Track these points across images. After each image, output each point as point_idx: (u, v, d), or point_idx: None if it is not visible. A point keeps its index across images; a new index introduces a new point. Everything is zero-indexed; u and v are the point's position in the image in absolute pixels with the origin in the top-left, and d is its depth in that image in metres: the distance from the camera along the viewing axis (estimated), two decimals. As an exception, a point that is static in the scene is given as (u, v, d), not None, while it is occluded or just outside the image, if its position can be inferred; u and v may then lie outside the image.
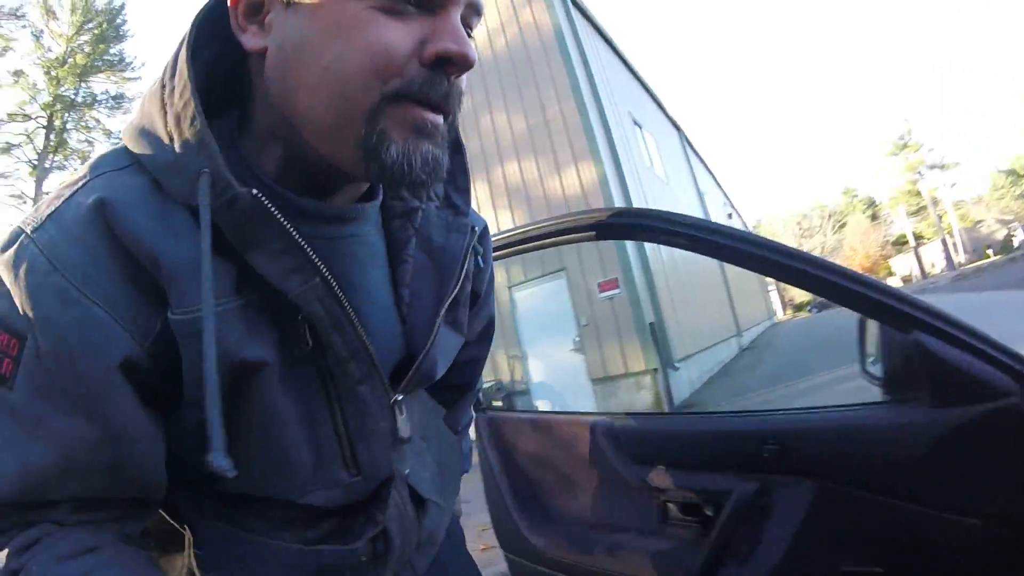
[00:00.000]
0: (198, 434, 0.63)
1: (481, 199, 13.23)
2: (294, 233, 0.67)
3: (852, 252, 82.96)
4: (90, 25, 36.30)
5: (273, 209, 0.66)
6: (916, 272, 65.79)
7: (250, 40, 0.70)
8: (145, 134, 0.69)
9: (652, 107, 19.82)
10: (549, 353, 12.05)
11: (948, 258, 54.40)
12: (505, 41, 13.43)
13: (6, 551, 0.68)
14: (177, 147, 0.66)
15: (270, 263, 0.68)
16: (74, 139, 38.16)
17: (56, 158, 36.83)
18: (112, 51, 37.76)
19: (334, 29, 0.64)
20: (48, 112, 36.22)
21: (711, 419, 1.87)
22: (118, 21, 37.53)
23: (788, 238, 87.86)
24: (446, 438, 1.10)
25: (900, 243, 76.88)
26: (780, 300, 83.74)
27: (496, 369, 12.63)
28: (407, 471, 0.91)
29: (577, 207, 11.59)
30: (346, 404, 0.79)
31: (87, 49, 36.52)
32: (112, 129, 38.64)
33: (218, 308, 0.66)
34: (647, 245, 11.80)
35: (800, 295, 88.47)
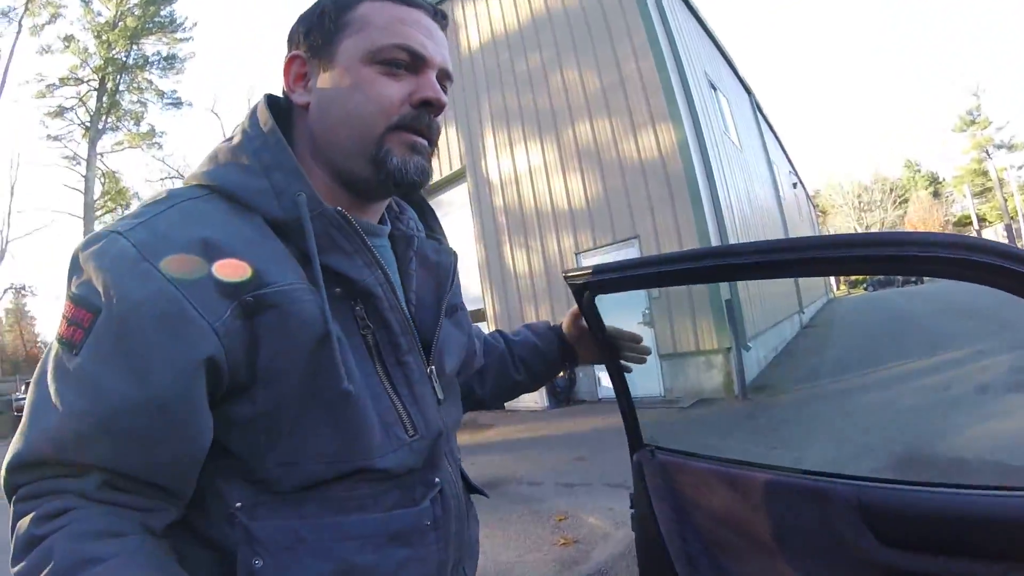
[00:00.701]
0: (267, 427, 0.85)
1: (550, 162, 12.62)
2: (365, 237, 0.94)
3: (912, 230, 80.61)
4: None
5: (352, 219, 0.93)
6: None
7: (299, 97, 1.01)
8: (231, 171, 0.92)
9: (726, 69, 18.68)
10: (616, 323, 11.36)
11: (1012, 242, 51.84)
12: None
13: (29, 516, 0.75)
14: (276, 180, 0.90)
15: (347, 261, 0.93)
16: (126, 101, 39.70)
17: (109, 120, 38.55)
18: (162, 12, 38.67)
19: (354, 86, 0.96)
20: (100, 75, 37.39)
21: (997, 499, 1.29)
22: None
23: (847, 211, 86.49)
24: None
25: (962, 224, 74.43)
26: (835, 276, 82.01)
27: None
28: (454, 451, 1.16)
29: (653, 173, 10.89)
30: (395, 376, 0.99)
31: (137, 12, 37.43)
32: (164, 90, 40.26)
33: (307, 286, 0.87)
34: (725, 213, 11.09)
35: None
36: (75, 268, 0.81)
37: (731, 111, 16.65)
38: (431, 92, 0.98)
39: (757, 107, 23.43)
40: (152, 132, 41.00)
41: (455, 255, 1.21)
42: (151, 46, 39.30)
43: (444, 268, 1.16)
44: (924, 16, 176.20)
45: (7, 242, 38.78)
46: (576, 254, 12.07)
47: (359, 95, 0.95)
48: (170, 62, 40.10)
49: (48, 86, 36.30)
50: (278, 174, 0.90)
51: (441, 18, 1.05)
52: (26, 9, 34.30)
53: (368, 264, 0.94)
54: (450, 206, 15.52)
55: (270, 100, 1.02)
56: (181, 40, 39.80)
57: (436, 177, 15.40)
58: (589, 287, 1.54)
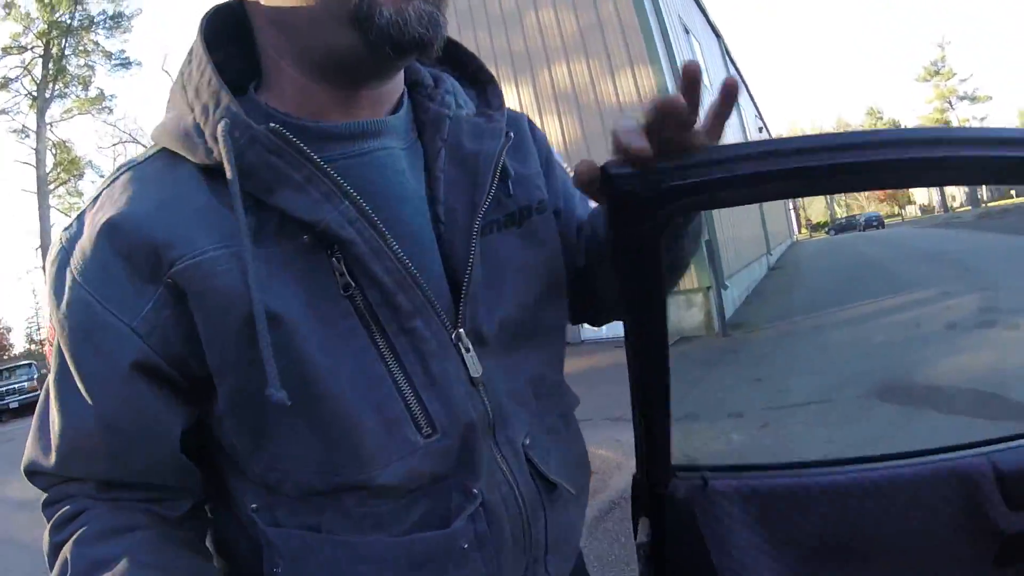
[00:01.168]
0: (243, 426, 0.72)
1: (526, 104, 12.43)
2: (316, 157, 0.68)
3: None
4: None
5: (292, 137, 0.67)
6: (937, 204, 65.03)
7: None
8: (168, 119, 0.75)
9: (697, 13, 18.62)
10: None
11: (971, 193, 52.61)
12: None
13: (50, 523, 0.74)
14: (197, 113, 0.70)
15: (298, 197, 0.68)
16: (73, 65, 37.90)
17: (56, 87, 36.82)
18: None
19: None
20: (44, 41, 35.70)
21: None
22: None
23: None
24: (563, 402, 0.99)
25: (920, 171, 75.40)
26: (796, 219, 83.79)
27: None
28: (504, 427, 0.83)
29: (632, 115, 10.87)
30: (401, 350, 0.73)
31: None
32: (112, 51, 38.69)
33: (234, 249, 0.68)
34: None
35: (817, 215, 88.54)
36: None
37: (703, 54, 16.69)
38: None
39: (726, 51, 23.47)
40: (102, 96, 39.40)
41: (508, 136, 0.85)
42: (95, 5, 37.70)
43: (485, 158, 0.82)
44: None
45: None
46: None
47: None
48: (116, 21, 38.41)
49: None
50: (199, 104, 0.71)
51: None
52: None
53: (328, 195, 0.68)
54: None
55: (219, 9, 0.80)
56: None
57: None
58: (666, 197, 0.66)
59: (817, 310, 10.67)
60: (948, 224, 34.61)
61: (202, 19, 0.78)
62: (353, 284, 0.71)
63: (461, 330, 0.77)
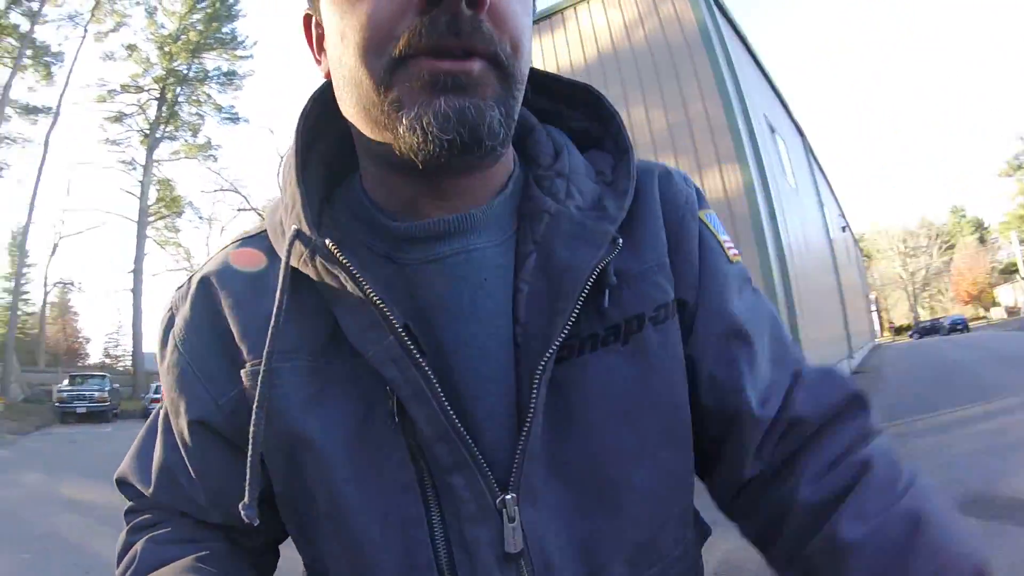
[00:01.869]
0: (290, 517, 0.73)
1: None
2: (363, 281, 0.62)
3: (959, 277, 79.94)
4: (202, 4, 38.86)
5: (342, 256, 0.62)
6: (1022, 305, 62.85)
7: (323, 66, 0.72)
8: (272, 206, 0.75)
9: (781, 111, 19.01)
10: None
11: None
12: (644, 34, 12.94)
13: (124, 531, 0.80)
14: (281, 211, 0.70)
15: (350, 319, 0.64)
16: (185, 112, 41.13)
17: (167, 129, 40.05)
18: (224, 30, 40.38)
19: (338, 22, 0.62)
20: (160, 85, 38.99)
21: None
22: (230, 1, 40.01)
23: (892, 256, 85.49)
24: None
25: (1008, 271, 73.48)
26: (879, 321, 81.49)
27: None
28: None
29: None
30: (444, 500, 0.64)
31: (200, 27, 39.16)
32: (222, 104, 41.83)
33: (285, 363, 0.66)
34: (787, 256, 11.27)
35: (900, 317, 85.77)
36: None
37: (788, 153, 16.96)
38: None
39: (809, 149, 23.70)
40: (208, 144, 42.38)
41: (615, 243, 0.68)
42: (212, 61, 40.86)
43: (571, 276, 0.66)
44: (972, 61, 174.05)
45: (60, 238, 40.81)
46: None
47: (343, 29, 0.62)
48: (229, 78, 41.65)
49: (109, 91, 38.35)
50: (283, 202, 0.70)
51: None
52: (92, 15, 36.06)
53: (375, 325, 0.62)
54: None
55: (325, 89, 0.74)
56: (241, 57, 41.41)
57: None
58: None
59: (900, 417, 10.31)
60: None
61: (303, 110, 0.73)
62: (395, 419, 0.64)
63: (509, 496, 0.64)
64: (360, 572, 0.66)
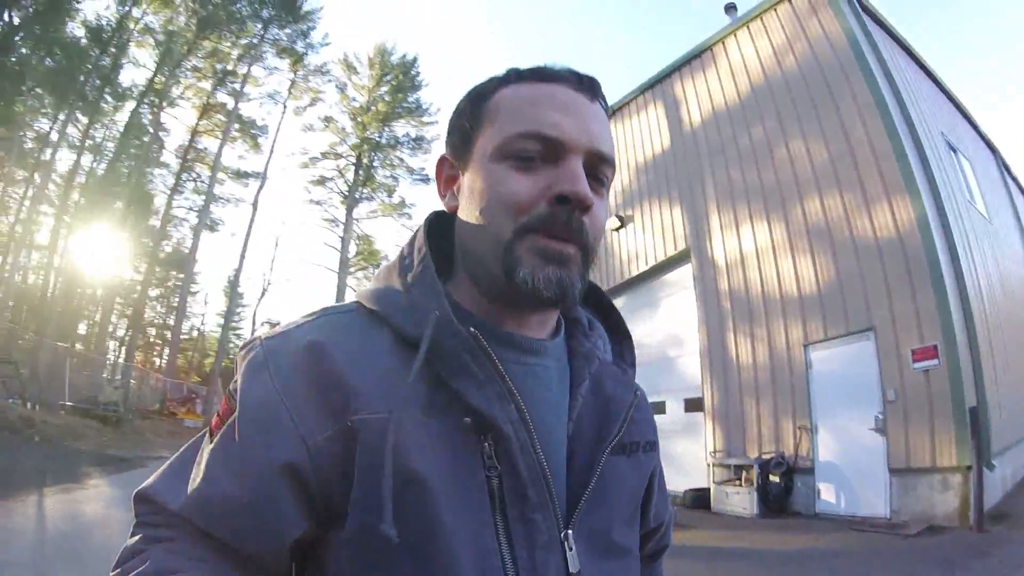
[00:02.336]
0: (360, 544, 0.78)
1: (777, 242, 11.83)
2: (499, 365, 0.82)
3: None
4: (388, 77, 45.03)
5: (487, 344, 0.82)
6: None
7: (449, 202, 0.97)
8: (382, 290, 0.92)
9: (965, 126, 16.82)
10: (844, 428, 10.13)
11: None
12: (794, 58, 12.13)
13: (136, 537, 0.84)
14: (414, 296, 0.88)
15: (477, 391, 0.81)
16: (380, 175, 46.95)
17: (364, 190, 46.22)
18: (409, 99, 46.03)
19: (485, 188, 0.87)
20: (356, 152, 45.28)
21: None
22: (412, 72, 45.94)
23: None
24: None
25: None
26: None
27: (779, 439, 11.01)
28: None
29: (890, 253, 9.79)
30: (516, 533, 0.81)
31: (387, 98, 45.23)
32: (413, 167, 47.36)
33: (405, 412, 0.79)
34: (972, 299, 9.72)
35: None
36: (236, 368, 0.89)
37: (975, 175, 14.88)
38: (567, 185, 0.83)
39: (1005, 167, 20.92)
40: (403, 204, 47.46)
41: (639, 393, 1.04)
42: (401, 128, 46.20)
43: (618, 403, 0.98)
44: None
45: (268, 283, 47.61)
46: (805, 346, 10.93)
47: (488, 196, 0.87)
48: (418, 143, 46.58)
49: (311, 159, 45.09)
50: (417, 291, 0.88)
51: (588, 87, 0.90)
52: (289, 93, 42.49)
53: (501, 396, 0.83)
54: (673, 287, 15.06)
55: (439, 213, 1.01)
56: (427, 123, 46.26)
57: (660, 257, 15.11)
58: None
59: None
60: None
61: (426, 221, 0.98)
62: (496, 468, 0.81)
63: (570, 531, 0.86)
64: None
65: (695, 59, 14.89)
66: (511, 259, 0.83)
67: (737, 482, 11.02)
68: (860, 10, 11.62)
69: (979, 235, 12.54)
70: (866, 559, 7.03)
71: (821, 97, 11.29)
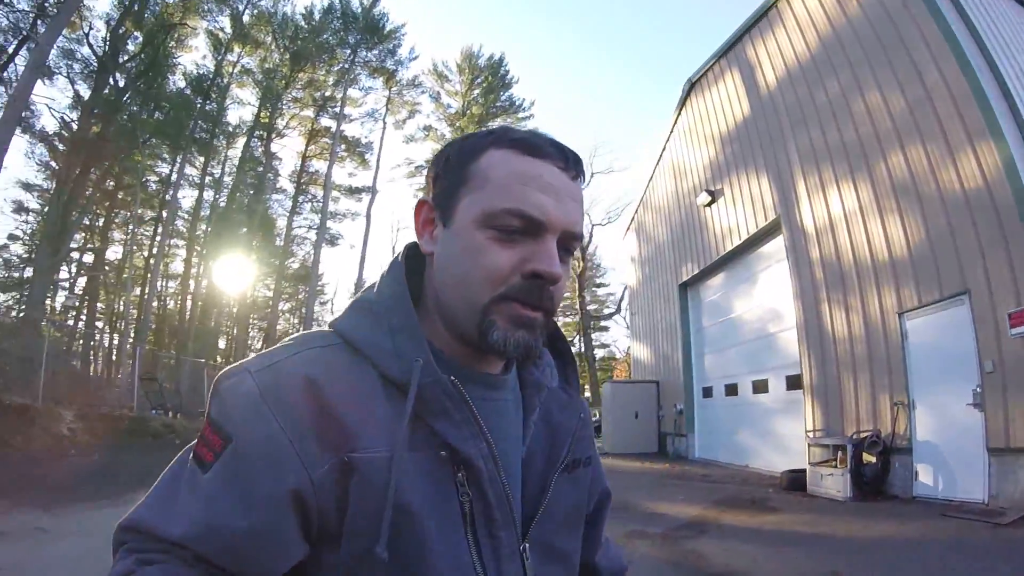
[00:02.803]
0: (353, 565, 0.86)
1: (865, 204, 11.00)
2: (473, 408, 0.93)
3: None
4: (479, 80, 46.02)
5: (464, 391, 0.92)
6: None
7: (425, 245, 1.03)
8: (367, 331, 0.96)
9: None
10: (942, 404, 9.20)
11: None
12: (858, 2, 11.18)
13: (128, 559, 0.87)
14: (399, 342, 0.93)
15: (454, 430, 0.92)
16: None
17: None
18: (502, 98, 46.80)
19: (466, 251, 0.93)
20: None
21: None
22: (501, 71, 46.63)
23: None
24: None
25: None
26: None
27: (876, 416, 10.28)
28: None
29: (980, 206, 8.71)
30: (484, 548, 0.94)
31: (480, 100, 46.15)
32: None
33: (385, 454, 0.87)
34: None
35: None
36: (216, 394, 0.91)
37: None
38: (543, 265, 0.92)
39: None
40: None
41: (582, 413, 1.18)
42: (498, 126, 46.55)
43: (564, 430, 1.11)
44: None
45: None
46: (899, 315, 10.12)
47: (469, 261, 0.93)
48: None
49: (416, 167, 46.83)
50: (402, 337, 0.94)
51: (572, 167, 0.98)
52: (387, 109, 44.10)
53: (474, 435, 0.93)
54: (768, 259, 14.57)
55: (412, 248, 1.08)
56: (522, 119, 46.61)
57: (752, 229, 14.69)
58: None
59: None
60: None
61: (403, 258, 1.05)
62: (468, 495, 0.92)
63: (526, 544, 1.00)
64: None
65: (762, 18, 14.26)
66: (486, 322, 0.92)
67: (833, 463, 10.33)
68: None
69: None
70: (939, 552, 6.38)
71: (891, 41, 10.42)
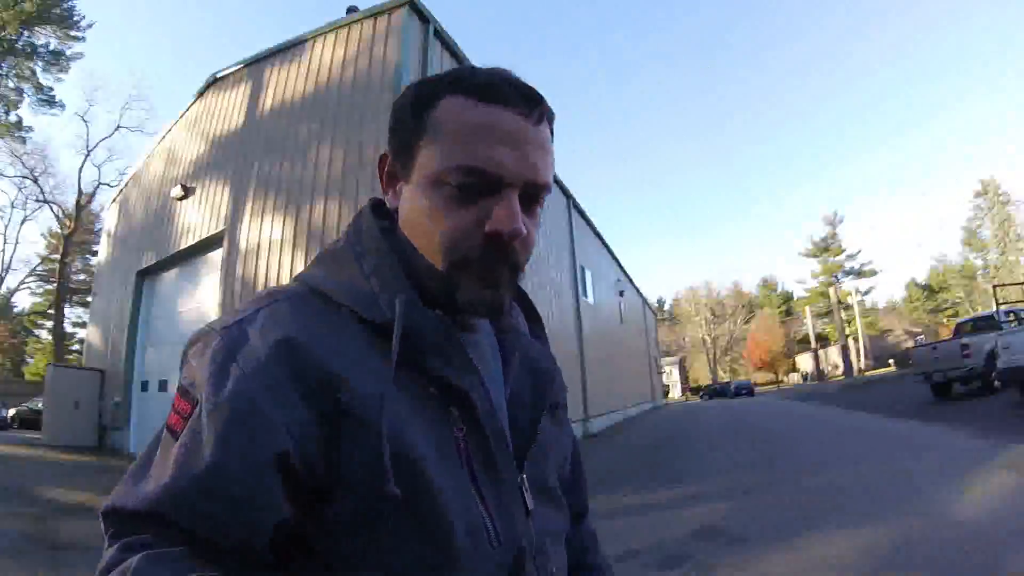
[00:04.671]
0: (357, 514, 0.81)
1: (287, 237, 12.17)
2: (462, 342, 0.92)
3: (755, 344, 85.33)
4: None
5: (453, 326, 0.92)
6: (814, 372, 67.42)
7: (390, 200, 1.01)
8: (332, 275, 0.94)
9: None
10: None
11: (847, 362, 54.60)
12: (354, 72, 12.52)
13: (113, 548, 0.80)
14: (375, 285, 0.91)
15: (444, 365, 0.88)
16: (2, 86, 39.86)
17: None
18: (63, 5, 39.50)
19: (426, 212, 0.90)
20: None
21: None
22: None
23: (699, 321, 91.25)
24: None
25: (803, 341, 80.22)
26: (684, 381, 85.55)
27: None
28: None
29: None
30: (482, 480, 0.90)
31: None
32: (43, 84, 41.13)
33: (383, 390, 0.83)
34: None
35: (705, 379, 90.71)
36: (184, 362, 0.87)
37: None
38: (502, 225, 0.87)
39: (573, 207, 24.02)
40: (19, 124, 41.34)
41: (556, 364, 1.16)
42: (43, 36, 39.50)
43: (545, 372, 1.09)
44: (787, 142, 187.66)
45: None
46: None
47: (430, 222, 0.90)
48: (56, 57, 40.52)
49: None
50: (379, 278, 0.91)
51: (536, 111, 0.91)
52: None
53: (468, 368, 0.91)
54: (211, 267, 14.98)
55: (377, 201, 1.06)
56: (73, 37, 40.41)
57: (205, 233, 15.06)
58: None
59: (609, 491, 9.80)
60: (810, 395, 36.03)
61: (371, 209, 1.03)
62: (463, 429, 0.89)
63: (524, 476, 0.97)
64: (433, 538, 0.83)
65: (290, 49, 14.76)
66: (449, 286, 0.90)
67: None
68: (432, 36, 12.38)
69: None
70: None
71: (366, 114, 11.76)
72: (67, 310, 56.46)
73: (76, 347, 54.73)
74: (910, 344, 51.36)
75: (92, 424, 19.20)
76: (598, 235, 28.91)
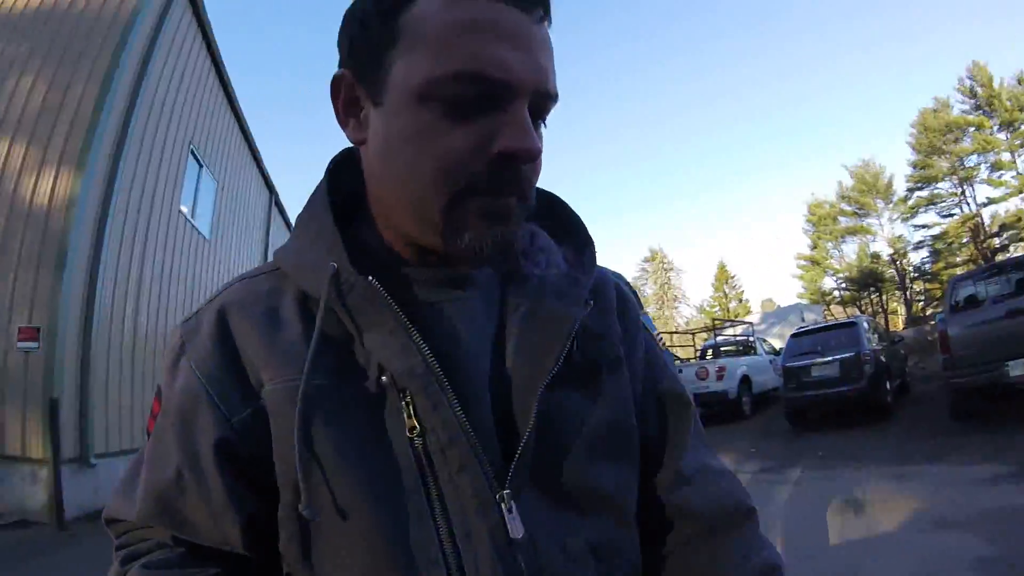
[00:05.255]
0: (292, 522, 0.72)
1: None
2: (401, 313, 0.73)
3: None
4: None
5: (384, 292, 0.73)
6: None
7: (351, 133, 0.80)
8: (295, 248, 0.82)
9: (246, 157, 17.85)
10: None
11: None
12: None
13: (116, 560, 0.80)
14: (315, 253, 0.78)
15: (382, 343, 0.73)
16: None
17: None
18: None
19: (409, 137, 0.71)
20: None
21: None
22: None
23: None
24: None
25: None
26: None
27: None
28: None
29: (34, 223, 9.01)
30: (448, 498, 0.72)
31: None
32: None
33: (316, 381, 0.72)
34: (108, 293, 9.67)
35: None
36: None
37: (219, 195, 15.41)
38: (515, 141, 0.68)
39: (278, 206, 22.99)
40: None
41: (588, 304, 0.84)
42: None
43: (555, 324, 0.80)
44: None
45: None
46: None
47: (414, 149, 0.71)
48: None
49: None
50: (319, 243, 0.78)
51: (537, 3, 0.71)
52: None
53: (405, 347, 0.72)
54: None
55: (349, 151, 0.88)
56: None
57: None
58: None
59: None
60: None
61: (330, 162, 0.87)
62: (417, 428, 0.72)
63: (507, 491, 0.73)
64: (374, 569, 0.70)
65: None
66: (451, 226, 0.72)
67: None
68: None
69: (183, 248, 12.82)
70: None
71: (76, 45, 10.16)
72: None
73: None
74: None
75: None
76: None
